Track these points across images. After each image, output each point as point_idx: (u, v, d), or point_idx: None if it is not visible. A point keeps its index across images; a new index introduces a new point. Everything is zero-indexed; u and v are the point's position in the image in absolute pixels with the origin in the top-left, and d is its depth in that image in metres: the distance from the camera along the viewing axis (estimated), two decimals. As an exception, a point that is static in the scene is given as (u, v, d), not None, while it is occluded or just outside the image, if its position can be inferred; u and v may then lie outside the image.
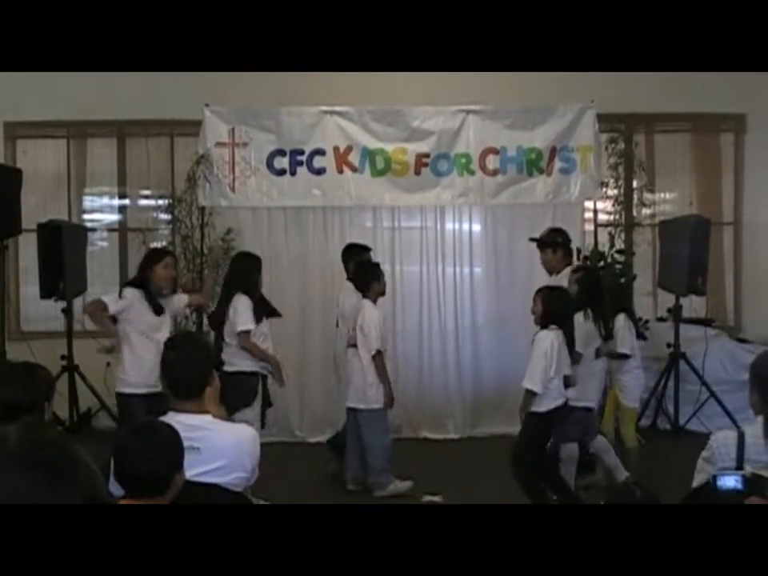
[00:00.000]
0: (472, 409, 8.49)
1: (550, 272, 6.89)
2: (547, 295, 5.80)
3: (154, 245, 8.45)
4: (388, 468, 6.60)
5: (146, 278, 6.13)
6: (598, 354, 6.25)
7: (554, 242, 6.92)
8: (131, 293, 6.07)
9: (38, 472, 1.90)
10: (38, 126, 8.97)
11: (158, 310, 6.08)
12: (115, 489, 2.85)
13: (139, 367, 5.92)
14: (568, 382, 5.73)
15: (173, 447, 2.87)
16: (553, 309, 5.70)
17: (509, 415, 8.39)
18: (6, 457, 1.90)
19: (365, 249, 7.30)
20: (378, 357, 6.58)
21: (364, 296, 6.69)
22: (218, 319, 6.52)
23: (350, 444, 6.76)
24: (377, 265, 6.95)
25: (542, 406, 5.65)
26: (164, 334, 5.74)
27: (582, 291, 6.21)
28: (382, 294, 6.83)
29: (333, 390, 7.76)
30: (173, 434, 2.90)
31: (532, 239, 7.19)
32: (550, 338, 5.64)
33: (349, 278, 7.07)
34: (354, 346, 6.66)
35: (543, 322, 5.72)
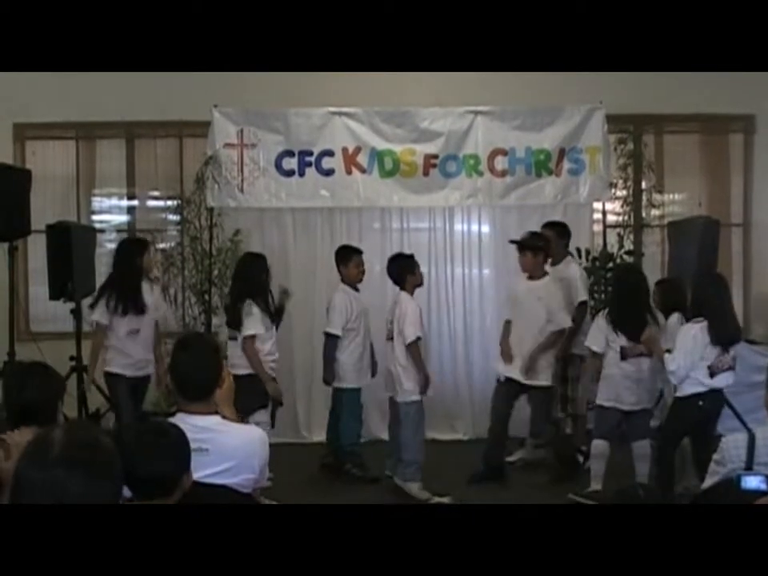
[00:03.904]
0: (480, 410, 8.46)
1: (531, 276, 6.96)
2: (699, 285, 6.01)
3: (161, 246, 8.48)
4: (419, 461, 6.66)
5: None
6: (623, 355, 6.29)
7: (534, 246, 6.98)
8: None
9: (83, 472, 1.92)
10: (46, 128, 8.98)
11: None
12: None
13: None
14: (713, 371, 5.86)
15: (182, 448, 2.87)
16: (699, 299, 5.90)
17: (517, 416, 8.41)
18: (52, 458, 1.92)
19: (357, 251, 7.33)
20: (414, 346, 6.59)
21: (401, 289, 6.75)
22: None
23: (393, 435, 6.89)
24: (410, 257, 6.97)
25: (682, 392, 5.86)
26: None
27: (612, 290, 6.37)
28: (420, 284, 6.89)
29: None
30: (181, 434, 2.91)
31: (512, 241, 7.28)
32: (694, 329, 5.80)
33: (342, 280, 7.19)
34: (392, 339, 6.71)
35: (693, 314, 5.94)
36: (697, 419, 5.93)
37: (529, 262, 6.98)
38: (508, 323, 7.23)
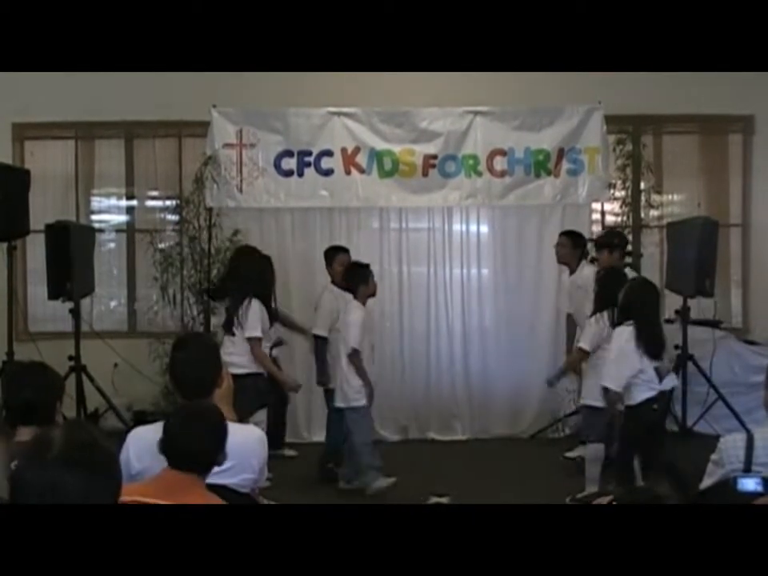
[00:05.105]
0: (479, 410, 8.48)
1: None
2: (630, 289, 5.88)
3: (160, 246, 8.46)
4: (376, 465, 6.50)
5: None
6: None
7: (610, 243, 7.14)
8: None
9: (82, 473, 1.93)
10: (45, 128, 8.97)
11: None
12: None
13: None
14: (659, 373, 5.77)
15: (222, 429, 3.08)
16: (628, 304, 5.76)
17: (516, 416, 8.42)
18: (51, 459, 1.93)
19: (342, 250, 7.35)
20: (354, 355, 6.50)
21: (354, 297, 6.67)
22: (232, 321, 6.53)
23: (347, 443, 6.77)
24: (366, 266, 6.87)
25: (634, 399, 5.73)
26: None
27: (600, 292, 6.31)
28: (372, 294, 6.80)
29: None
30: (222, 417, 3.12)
31: (589, 239, 7.50)
32: (626, 333, 5.69)
33: (333, 282, 7.18)
34: None
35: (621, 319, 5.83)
36: (653, 422, 5.87)
37: (606, 259, 7.08)
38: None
